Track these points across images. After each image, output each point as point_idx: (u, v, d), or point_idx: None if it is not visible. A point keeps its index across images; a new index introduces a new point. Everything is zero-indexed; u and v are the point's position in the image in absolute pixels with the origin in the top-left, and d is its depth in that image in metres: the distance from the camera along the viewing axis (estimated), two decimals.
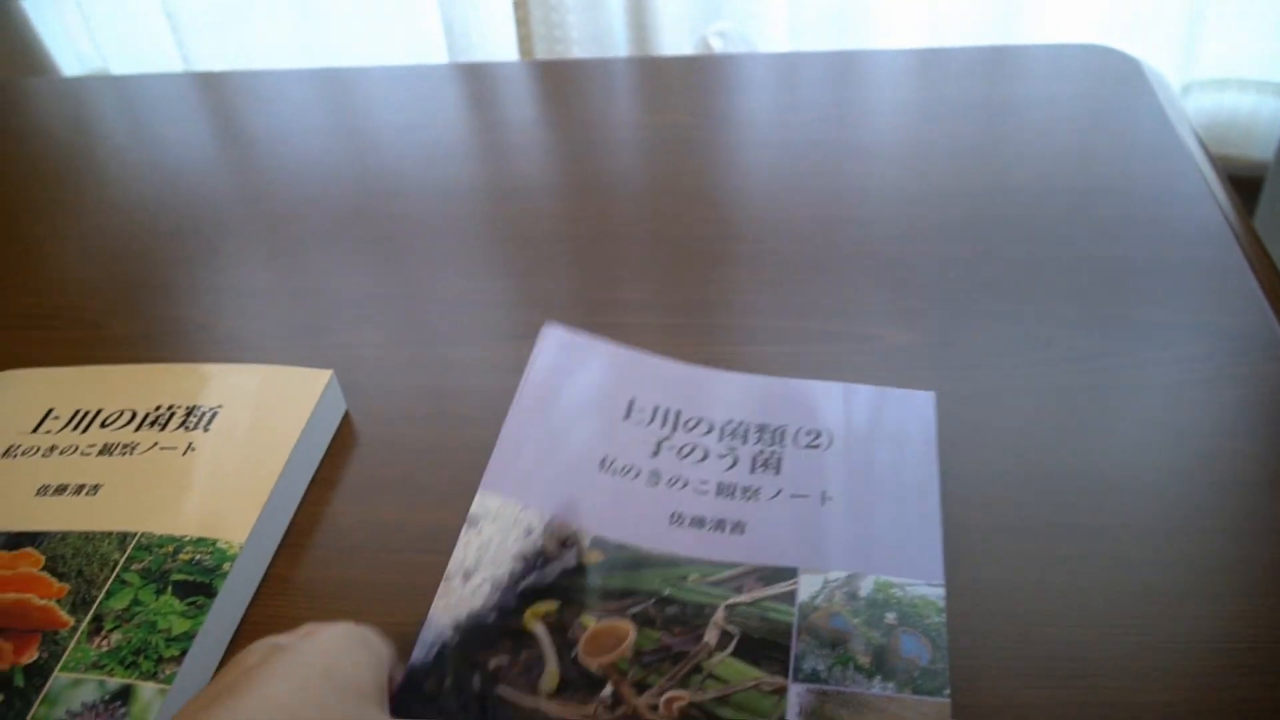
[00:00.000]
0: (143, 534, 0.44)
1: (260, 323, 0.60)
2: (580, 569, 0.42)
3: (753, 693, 0.37)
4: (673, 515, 0.44)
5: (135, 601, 0.41)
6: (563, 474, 0.45)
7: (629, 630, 0.39)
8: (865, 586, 0.40)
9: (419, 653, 0.38)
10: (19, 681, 0.39)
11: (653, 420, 0.48)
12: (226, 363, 0.54)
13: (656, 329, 0.56)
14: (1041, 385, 0.50)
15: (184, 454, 0.48)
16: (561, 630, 0.39)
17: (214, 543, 0.43)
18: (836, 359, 0.53)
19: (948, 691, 0.36)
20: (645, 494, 0.45)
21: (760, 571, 0.41)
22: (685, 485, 0.45)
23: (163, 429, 0.49)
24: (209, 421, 0.49)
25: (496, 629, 0.39)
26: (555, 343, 0.52)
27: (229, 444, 0.48)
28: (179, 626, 0.40)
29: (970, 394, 0.50)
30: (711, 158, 0.72)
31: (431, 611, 0.39)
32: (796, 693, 0.37)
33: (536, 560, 0.42)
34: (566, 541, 0.42)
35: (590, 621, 0.39)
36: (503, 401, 0.50)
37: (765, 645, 0.38)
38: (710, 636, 0.39)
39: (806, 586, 0.40)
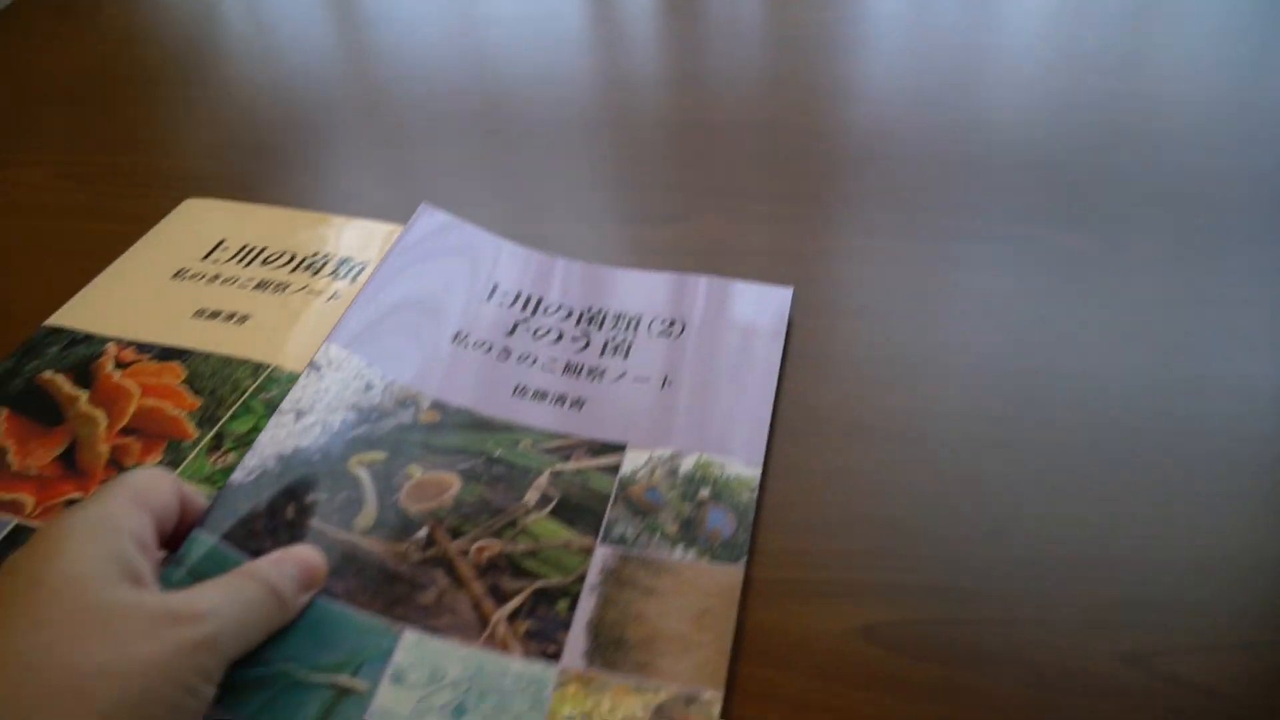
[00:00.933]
0: (275, 367, 0.47)
1: (408, 195, 0.60)
2: (414, 426, 0.43)
3: (561, 550, 0.38)
4: (517, 387, 0.45)
5: (254, 428, 0.44)
6: (414, 341, 0.46)
7: (454, 482, 0.40)
8: (686, 464, 0.42)
9: (238, 474, 0.39)
10: None
11: (514, 304, 0.49)
12: (389, 222, 0.56)
13: (785, 219, 0.57)
14: (1213, 297, 0.51)
15: (328, 300, 0.51)
16: (386, 478, 0.41)
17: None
18: (988, 259, 0.54)
19: (744, 560, 0.39)
20: (494, 367, 0.46)
21: (591, 444, 0.43)
22: (535, 362, 0.46)
23: (315, 274, 0.52)
24: (357, 274, 0.52)
25: (319, 467, 0.40)
26: (432, 221, 0.53)
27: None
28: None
29: (1136, 299, 0.51)
30: (842, 56, 0.73)
31: (258, 440, 0.40)
32: (602, 553, 0.38)
33: (371, 414, 0.43)
34: (405, 401, 0.44)
35: (417, 472, 0.41)
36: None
37: (581, 510, 0.40)
38: (531, 497, 0.40)
39: (631, 461, 0.42)
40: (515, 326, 0.48)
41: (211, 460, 0.42)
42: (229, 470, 0.42)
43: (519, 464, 0.42)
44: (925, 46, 0.75)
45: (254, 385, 0.46)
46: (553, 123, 0.68)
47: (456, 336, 0.47)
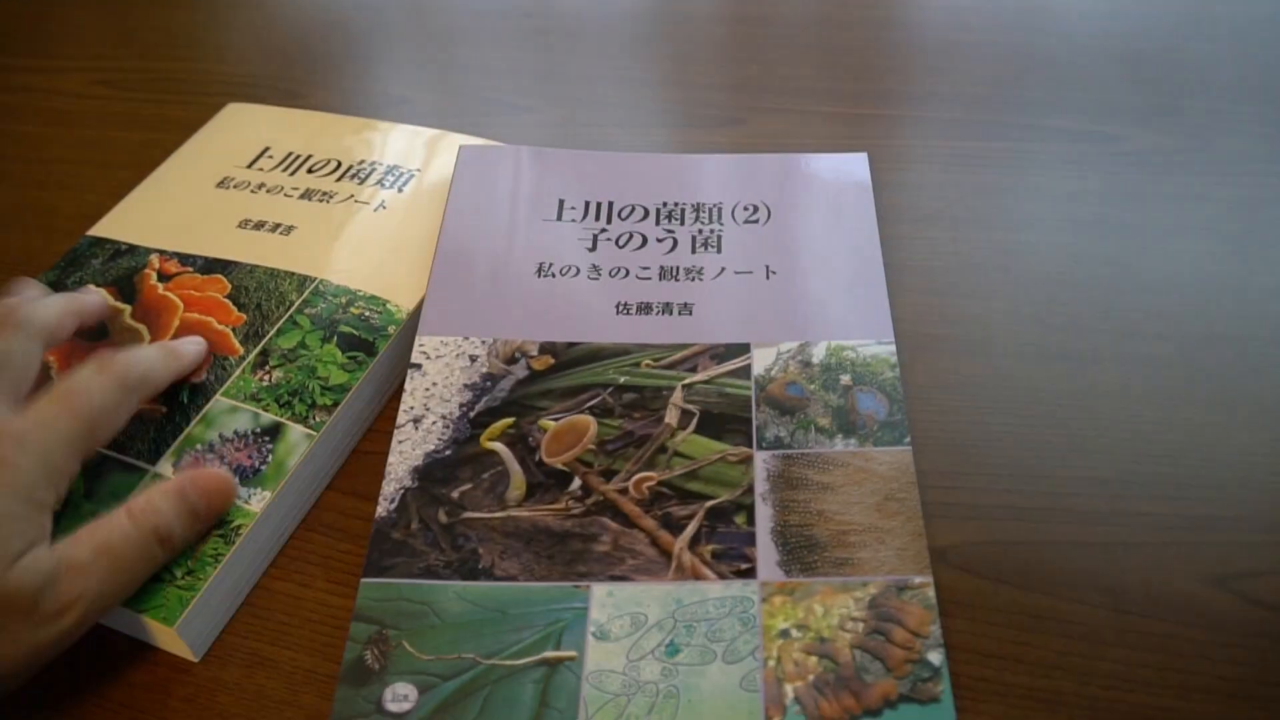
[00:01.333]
0: (321, 280, 0.45)
1: (458, 99, 0.58)
2: (532, 378, 0.41)
3: (720, 465, 0.37)
4: (619, 305, 0.43)
5: (301, 344, 0.42)
6: (499, 292, 0.44)
7: (589, 424, 0.39)
8: (818, 353, 0.40)
9: (381, 507, 0.37)
10: (183, 398, 0.40)
11: (586, 215, 0.46)
12: (439, 129, 0.53)
13: (856, 120, 0.54)
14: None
15: (375, 210, 0.48)
16: (523, 440, 0.39)
17: (385, 303, 0.44)
18: (1081, 158, 0.51)
19: (908, 440, 0.37)
20: (588, 289, 0.43)
21: (713, 350, 0.41)
22: (627, 274, 0.44)
23: (361, 183, 0.50)
24: (405, 183, 0.50)
25: (454, 460, 0.38)
26: (471, 164, 0.49)
27: (418, 209, 0.48)
28: (336, 377, 0.41)
29: (1228, 199, 0.48)
30: None
31: (386, 467, 0.38)
32: (763, 459, 0.37)
33: (485, 384, 0.41)
34: (513, 357, 0.41)
35: (549, 424, 0.39)
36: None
37: (726, 420, 0.38)
38: (671, 417, 0.39)
39: (761, 360, 0.40)
40: (595, 240, 0.45)
41: (257, 377, 0.41)
42: (274, 388, 0.40)
43: (648, 386, 0.40)
44: None
45: (300, 300, 0.44)
46: (602, 20, 0.64)
47: (540, 269, 0.44)
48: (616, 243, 0.45)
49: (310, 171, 0.51)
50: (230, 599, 0.36)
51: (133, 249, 0.47)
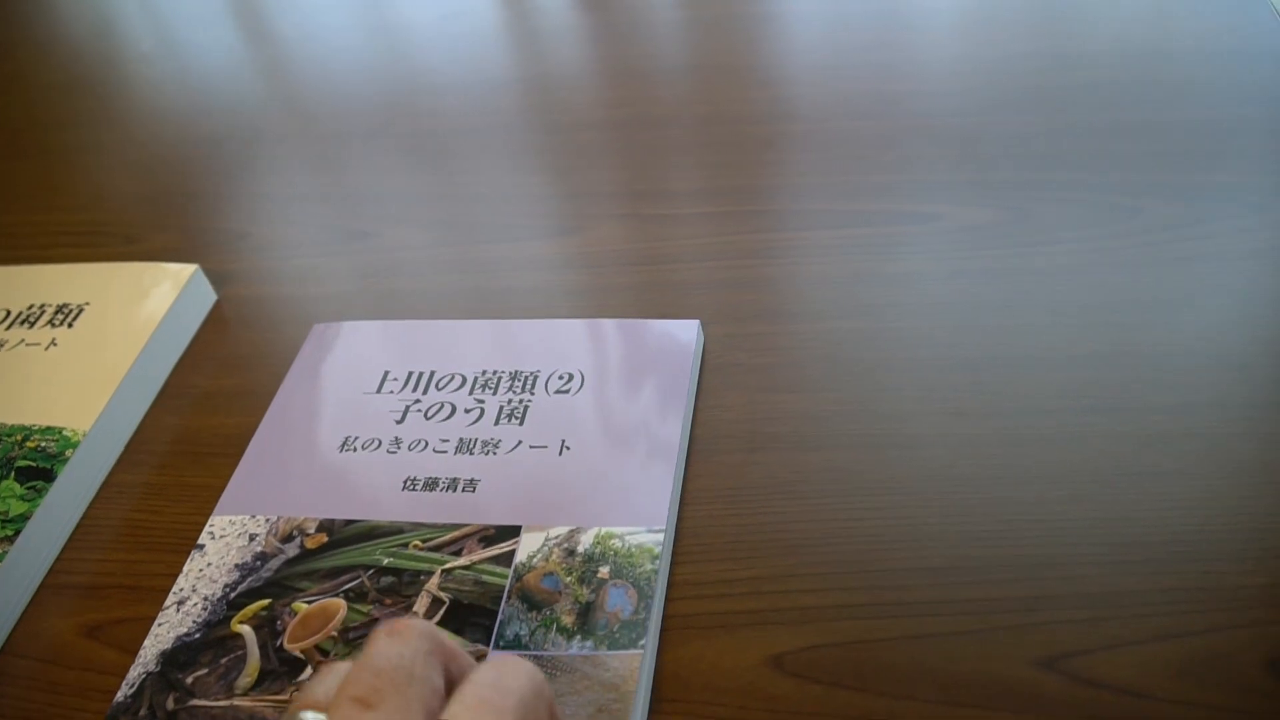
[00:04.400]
0: None
1: (300, 229, 0.60)
2: (301, 557, 0.40)
3: None
4: (406, 480, 0.42)
5: None
6: (296, 470, 0.44)
7: (339, 608, 0.38)
8: (585, 540, 0.39)
9: (121, 693, 0.37)
10: None
11: (405, 386, 0.47)
12: (110, 262, 0.56)
13: (707, 218, 0.55)
14: (1127, 257, 0.48)
15: (46, 349, 0.51)
16: (271, 624, 0.38)
17: (60, 430, 0.46)
18: (902, 239, 0.51)
19: (643, 643, 0.35)
20: (383, 465, 0.43)
21: (484, 532, 0.40)
22: (426, 447, 0.44)
23: (31, 326, 0.53)
24: (74, 318, 0.53)
25: (200, 644, 0.38)
26: (317, 341, 0.50)
27: (89, 339, 0.51)
28: (16, 509, 0.43)
29: (1047, 268, 0.48)
30: (758, 35, 0.70)
31: (140, 650, 0.38)
32: None
33: (255, 564, 0.41)
34: (290, 535, 0.41)
35: (302, 607, 0.39)
36: (546, 299, 0.52)
37: (474, 611, 0.37)
38: (420, 605, 0.38)
39: (527, 546, 0.39)
40: (406, 411, 0.45)
41: None
42: None
43: (408, 569, 0.39)
44: (833, 19, 0.70)
45: None
46: (446, 134, 0.66)
47: (344, 444, 0.45)
48: (425, 414, 0.45)
49: None
50: None
51: None
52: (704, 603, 0.38)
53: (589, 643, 0.36)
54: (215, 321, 0.54)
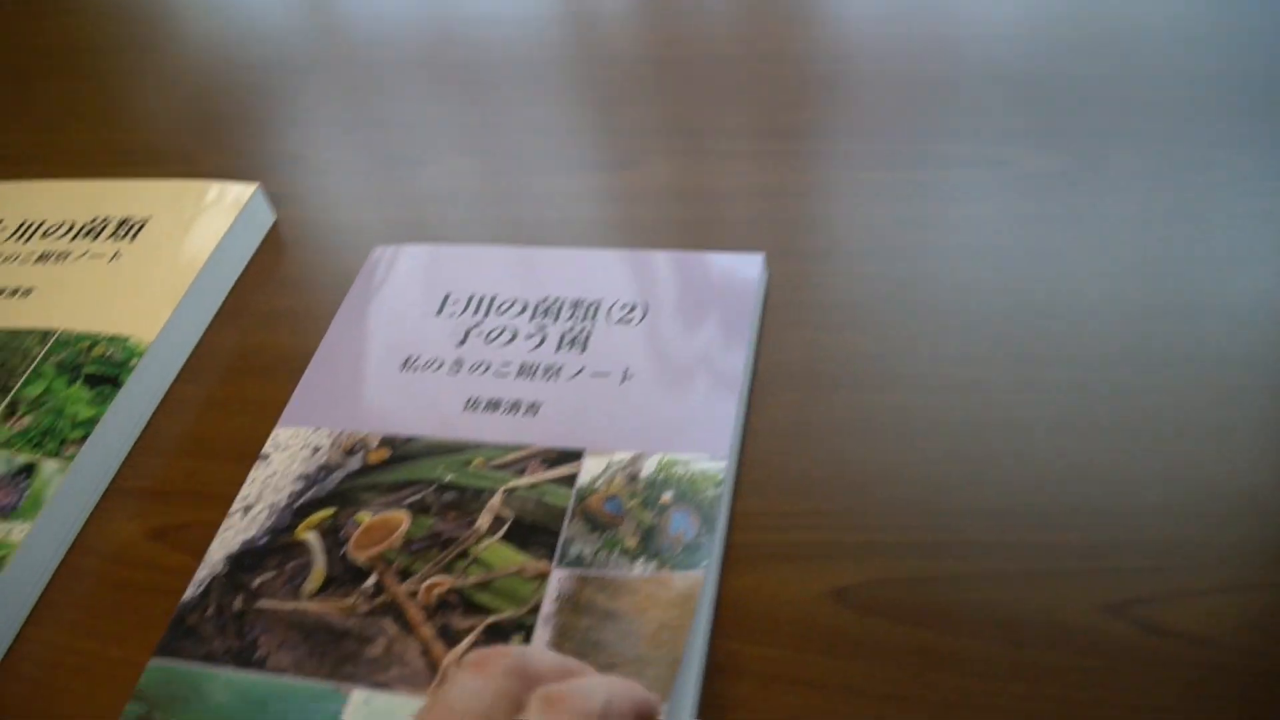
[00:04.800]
0: (62, 331, 0.48)
1: (353, 154, 0.60)
2: (364, 470, 0.41)
3: (515, 578, 0.36)
4: (469, 401, 0.43)
5: (48, 390, 0.45)
6: (361, 386, 0.44)
7: (402, 520, 0.38)
8: (648, 467, 0.39)
9: (189, 592, 0.38)
10: None
11: (465, 310, 0.47)
12: (170, 179, 0.57)
13: (768, 155, 0.55)
14: (1201, 210, 0.47)
15: (109, 261, 0.52)
16: (335, 533, 0.39)
17: (125, 340, 0.47)
18: (968, 184, 0.51)
19: (705, 564, 0.36)
20: (445, 384, 0.44)
21: (547, 454, 0.40)
22: (487, 369, 0.44)
23: (95, 239, 0.53)
24: (137, 232, 0.53)
25: (267, 549, 0.39)
26: (376, 263, 0.50)
27: (152, 252, 0.52)
28: (85, 413, 0.44)
29: (1118, 218, 0.47)
30: None
31: (207, 552, 0.39)
32: (558, 577, 0.36)
33: (319, 475, 0.41)
34: (353, 449, 0.42)
35: (365, 518, 0.39)
36: (602, 231, 0.52)
37: (537, 530, 0.37)
38: (483, 522, 0.38)
39: (589, 469, 0.39)
40: (467, 334, 0.45)
41: (8, 426, 0.44)
42: (25, 433, 0.43)
43: (471, 486, 0.39)
44: None
45: (43, 351, 0.47)
46: (499, 64, 0.65)
47: (406, 363, 0.45)
48: (486, 337, 0.45)
49: (45, 236, 0.54)
50: (6, 627, 0.39)
51: None
52: (766, 534, 0.38)
53: (652, 564, 0.36)
54: (272, 242, 0.55)
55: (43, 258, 0.52)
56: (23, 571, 0.39)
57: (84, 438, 0.43)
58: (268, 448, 0.42)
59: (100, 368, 0.46)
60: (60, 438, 0.43)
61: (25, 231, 0.54)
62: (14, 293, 0.50)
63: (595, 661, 0.33)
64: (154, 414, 0.46)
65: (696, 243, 0.50)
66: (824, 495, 0.39)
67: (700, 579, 0.35)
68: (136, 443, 0.45)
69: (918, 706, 0.33)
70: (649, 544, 0.36)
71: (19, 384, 0.45)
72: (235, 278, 0.52)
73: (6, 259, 0.53)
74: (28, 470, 0.42)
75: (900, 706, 0.33)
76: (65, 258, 0.52)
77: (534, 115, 0.60)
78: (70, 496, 0.42)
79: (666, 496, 0.38)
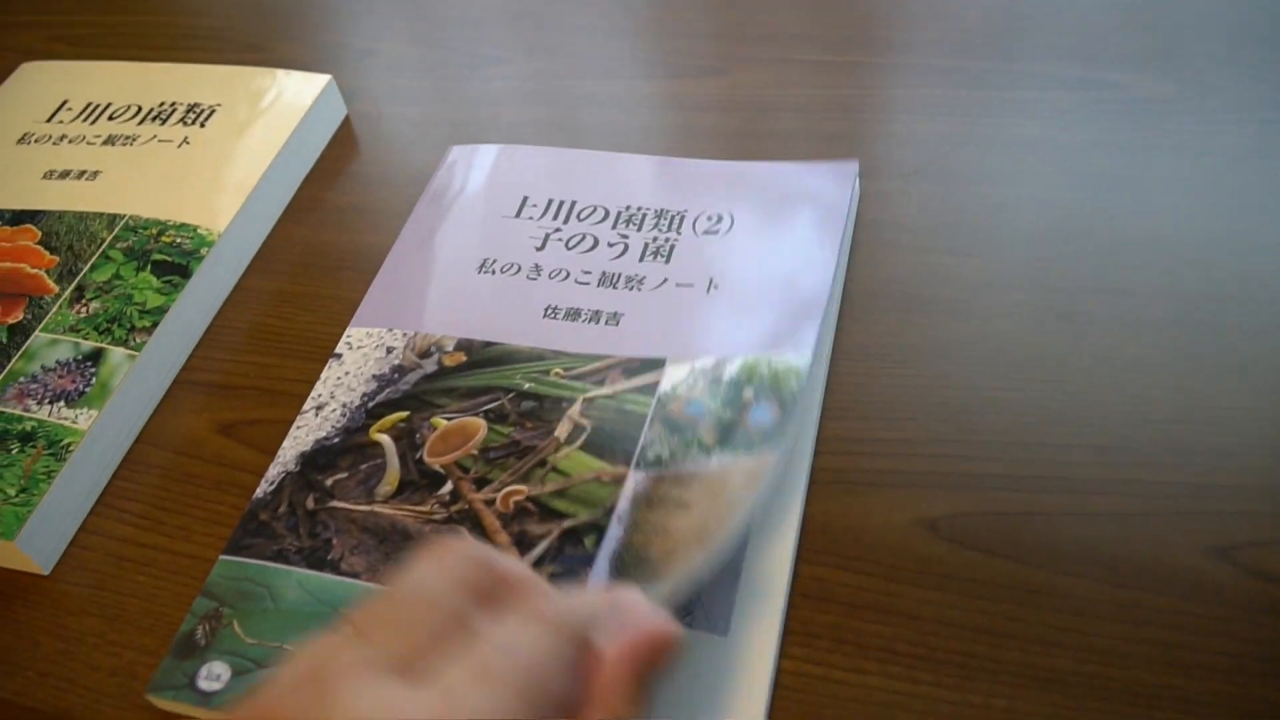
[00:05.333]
0: (130, 216, 0.47)
1: (428, 49, 0.58)
2: (439, 374, 0.40)
3: (592, 484, 0.35)
4: (548, 308, 0.41)
5: (116, 276, 0.44)
6: (436, 287, 0.43)
7: (479, 428, 0.37)
8: (731, 369, 0.37)
9: (261, 489, 0.37)
10: (2, 338, 0.42)
11: (545, 214, 0.45)
12: (243, 65, 0.55)
13: (866, 68, 0.52)
14: None
15: (179, 146, 0.50)
16: (410, 436, 0.38)
17: (195, 228, 0.46)
18: (1076, 107, 0.48)
19: (783, 448, 0.34)
20: (523, 289, 0.42)
21: (628, 364, 0.38)
22: (568, 277, 0.42)
23: (163, 124, 0.52)
24: (206, 119, 0.52)
25: (339, 449, 0.38)
26: (453, 162, 0.48)
27: (222, 141, 0.50)
28: (153, 301, 0.43)
29: (1234, 150, 0.45)
30: None
31: (279, 450, 0.38)
32: (634, 480, 0.35)
33: (393, 376, 0.40)
34: (428, 351, 0.40)
35: (441, 423, 0.38)
36: (689, 138, 0.50)
37: (616, 438, 0.36)
38: (561, 430, 0.37)
39: (671, 377, 0.38)
40: (546, 240, 0.44)
41: (75, 311, 0.43)
42: (92, 318, 0.43)
43: (549, 395, 0.38)
44: None
45: (110, 236, 0.46)
46: None
47: (482, 265, 0.43)
48: (566, 244, 0.43)
49: (111, 119, 0.52)
50: (71, 516, 0.38)
51: None
52: (854, 459, 0.36)
53: (728, 454, 0.34)
54: (343, 137, 0.53)
55: (109, 140, 0.51)
56: (89, 460, 0.39)
57: (153, 326, 0.42)
58: (340, 347, 0.41)
59: (169, 255, 0.45)
60: (128, 325, 0.42)
61: (91, 113, 0.53)
62: (80, 175, 0.49)
63: (662, 547, 0.33)
64: (223, 306, 0.45)
65: (785, 154, 0.47)
66: (915, 423, 0.37)
67: (773, 459, 0.34)
68: (204, 335, 0.44)
69: (1012, 641, 0.32)
70: (728, 438, 0.35)
71: (86, 268, 0.44)
72: (306, 171, 0.51)
73: (73, 140, 0.51)
74: (94, 357, 0.41)
75: (993, 641, 0.32)
76: (133, 141, 0.51)
77: (621, 16, 0.58)
78: (138, 386, 0.41)
79: (748, 393, 0.36)
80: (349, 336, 0.42)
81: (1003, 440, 0.36)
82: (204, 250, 0.45)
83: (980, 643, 0.32)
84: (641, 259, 0.42)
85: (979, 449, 0.36)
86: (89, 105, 0.53)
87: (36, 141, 0.52)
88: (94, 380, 0.40)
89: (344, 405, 0.39)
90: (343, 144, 0.52)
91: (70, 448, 0.38)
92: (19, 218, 0.47)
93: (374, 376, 0.40)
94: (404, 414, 0.38)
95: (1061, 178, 0.45)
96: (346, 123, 0.53)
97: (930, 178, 0.46)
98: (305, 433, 0.39)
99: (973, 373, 0.38)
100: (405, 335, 0.41)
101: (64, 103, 0.54)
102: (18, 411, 0.40)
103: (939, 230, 0.43)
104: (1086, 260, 0.41)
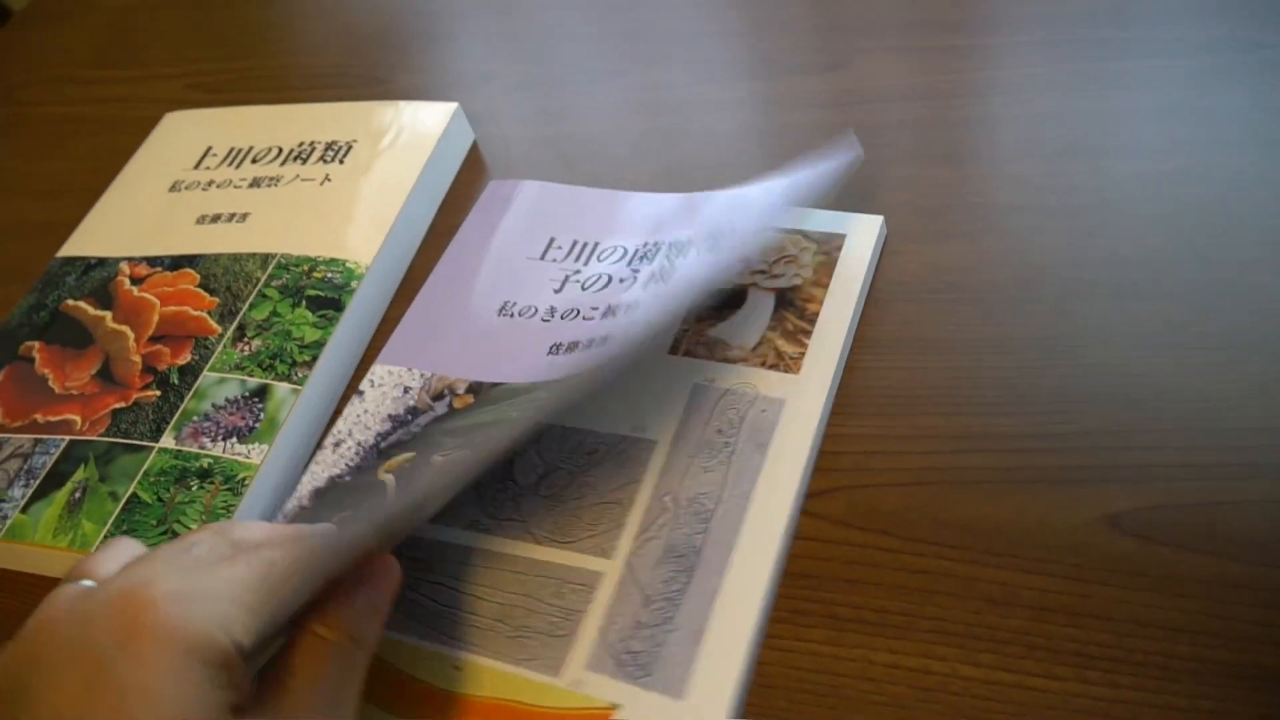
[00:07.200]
0: (282, 255, 0.49)
1: (547, 68, 0.59)
2: (448, 416, 0.40)
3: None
4: (553, 346, 0.41)
5: (274, 313, 0.46)
6: (457, 329, 0.44)
7: None
8: None
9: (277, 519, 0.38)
10: (174, 379, 0.45)
11: (568, 255, 0.45)
12: (366, 100, 0.57)
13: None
14: None
15: (320, 184, 0.52)
16: (411, 476, 0.39)
17: (344, 263, 0.48)
18: (1224, 69, 0.45)
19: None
20: (536, 331, 0.42)
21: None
22: (577, 315, 0.42)
23: (304, 163, 0.54)
24: (344, 155, 0.53)
25: (349, 487, 0.39)
26: (491, 198, 0.49)
27: (361, 175, 0.52)
28: (310, 335, 0.45)
29: None
30: None
31: (298, 484, 0.40)
32: None
33: (407, 418, 0.41)
34: (441, 394, 0.41)
35: (438, 460, 0.39)
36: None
37: None
38: None
39: None
40: (565, 282, 0.44)
41: (238, 349, 0.45)
42: (255, 356, 0.44)
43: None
44: None
45: (265, 275, 0.48)
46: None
47: (503, 308, 0.43)
48: (582, 285, 0.43)
49: (254, 161, 0.54)
50: None
51: (102, 261, 0.51)
52: (1026, 456, 0.35)
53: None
54: (473, 161, 0.54)
55: (255, 183, 0.53)
56: (263, 492, 0.40)
57: (312, 360, 0.44)
58: (364, 384, 0.43)
59: (321, 290, 0.46)
60: (290, 360, 0.44)
61: (235, 157, 0.55)
62: (231, 217, 0.51)
63: None
64: (373, 335, 0.47)
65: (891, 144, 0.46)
66: (1087, 415, 0.36)
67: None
68: (362, 357, 0.46)
69: (1213, 640, 0.30)
70: None
71: (245, 307, 0.46)
72: (441, 198, 0.52)
73: (220, 185, 0.53)
74: (260, 394, 0.43)
75: (1193, 640, 0.30)
76: (277, 182, 0.53)
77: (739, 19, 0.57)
78: (304, 418, 0.43)
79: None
80: (373, 374, 0.43)
81: (1182, 428, 0.35)
82: (354, 283, 0.46)
83: (1180, 642, 0.30)
84: (645, 286, 0.42)
85: (1158, 438, 0.35)
86: (232, 150, 0.56)
87: (186, 189, 0.54)
88: (262, 416, 0.42)
89: (359, 444, 0.41)
90: (473, 168, 0.53)
91: (245, 482, 0.40)
92: (178, 263, 0.50)
93: (389, 416, 0.41)
94: (410, 455, 0.40)
95: (1217, 147, 0.42)
96: (474, 147, 0.54)
97: (1075, 156, 0.44)
98: (321, 469, 0.40)
99: (1141, 358, 0.37)
100: (423, 376, 0.42)
101: (209, 149, 0.56)
102: (194, 450, 0.41)
103: (1087, 211, 0.42)
104: (1256, 232, 0.39)
